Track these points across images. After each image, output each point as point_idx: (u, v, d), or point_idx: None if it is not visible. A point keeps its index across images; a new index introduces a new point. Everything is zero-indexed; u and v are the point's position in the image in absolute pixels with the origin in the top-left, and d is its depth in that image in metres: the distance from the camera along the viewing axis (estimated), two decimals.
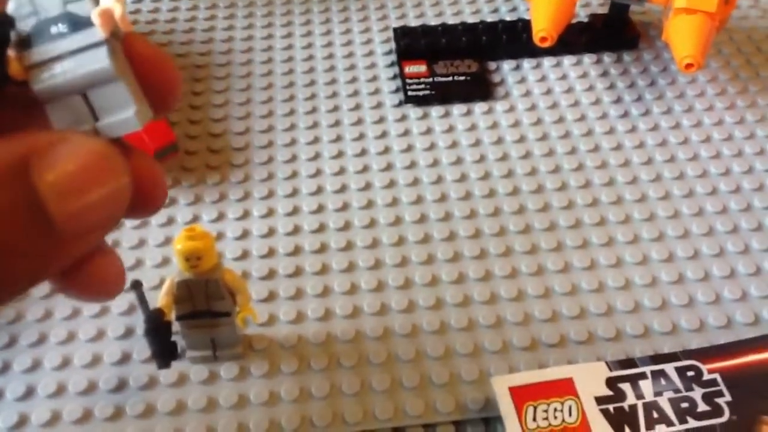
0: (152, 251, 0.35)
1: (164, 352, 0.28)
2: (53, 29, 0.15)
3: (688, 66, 0.37)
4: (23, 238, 0.15)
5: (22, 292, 0.16)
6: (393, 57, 0.45)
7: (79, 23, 0.15)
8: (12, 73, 0.15)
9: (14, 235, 0.14)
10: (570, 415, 0.27)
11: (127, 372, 0.30)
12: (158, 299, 0.28)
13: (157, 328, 0.27)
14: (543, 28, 0.39)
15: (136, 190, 0.16)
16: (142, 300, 0.27)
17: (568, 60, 0.44)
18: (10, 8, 0.15)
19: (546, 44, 0.39)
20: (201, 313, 0.29)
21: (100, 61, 0.15)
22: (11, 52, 0.15)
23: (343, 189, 0.37)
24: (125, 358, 0.31)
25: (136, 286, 0.27)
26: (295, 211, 0.36)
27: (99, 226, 0.16)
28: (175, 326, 0.29)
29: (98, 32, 0.15)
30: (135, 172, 0.16)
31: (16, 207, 0.14)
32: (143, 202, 0.18)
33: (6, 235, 0.14)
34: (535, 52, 0.44)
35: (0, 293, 0.15)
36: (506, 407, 0.27)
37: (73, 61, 0.15)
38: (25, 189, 0.14)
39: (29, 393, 0.30)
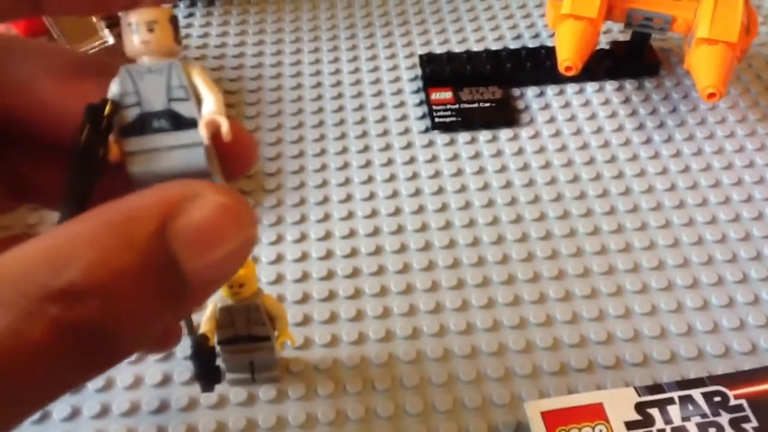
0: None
1: (209, 375, 0.29)
2: (155, 123, 0.16)
3: (711, 96, 0.38)
4: (155, 295, 0.15)
5: (147, 345, 0.16)
6: (419, 83, 0.46)
7: (181, 122, 0.16)
8: (111, 157, 0.16)
9: (148, 292, 0.14)
10: None
11: (168, 394, 0.31)
12: (202, 325, 0.29)
13: (204, 352, 0.28)
14: (568, 58, 0.40)
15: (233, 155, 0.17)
16: (189, 325, 0.28)
17: (590, 86, 0.45)
18: (113, 92, 0.16)
19: (571, 73, 0.40)
20: (242, 338, 0.30)
21: (197, 161, 0.16)
22: (112, 138, 0.16)
23: (373, 214, 0.38)
24: (166, 380, 0.32)
25: None
26: (327, 236, 0.37)
27: (226, 278, 0.16)
28: (216, 350, 0.30)
29: (200, 136, 0.16)
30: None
31: (152, 265, 0.14)
32: (237, 166, 0.18)
33: (141, 294, 0.14)
34: (559, 79, 0.45)
35: (129, 345, 0.15)
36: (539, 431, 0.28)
37: (171, 155, 0.16)
38: (161, 246, 0.14)
39: (75, 414, 0.31)
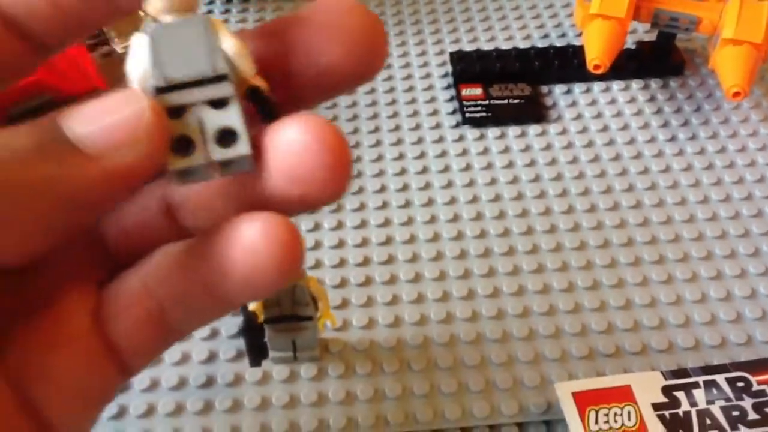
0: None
1: (257, 351, 0.31)
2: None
3: (736, 95, 0.40)
4: (29, 153, 0.14)
5: (57, 227, 0.15)
6: (449, 79, 0.48)
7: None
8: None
9: (17, 153, 0.14)
10: (629, 419, 0.29)
11: (214, 370, 0.33)
12: (251, 304, 0.31)
13: (254, 328, 0.30)
14: (597, 57, 0.41)
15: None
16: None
17: (616, 85, 0.47)
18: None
19: (599, 71, 0.41)
20: (286, 317, 0.31)
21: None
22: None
23: (407, 204, 0.40)
24: (212, 357, 0.34)
25: None
26: (362, 224, 0.39)
27: (118, 143, 0.15)
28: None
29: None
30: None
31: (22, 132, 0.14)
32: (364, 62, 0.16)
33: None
34: (586, 77, 0.46)
35: (23, 226, 0.14)
36: (570, 411, 0.30)
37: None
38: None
39: (127, 387, 0.33)
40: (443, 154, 0.43)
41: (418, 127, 0.44)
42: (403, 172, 0.42)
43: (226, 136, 0.15)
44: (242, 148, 0.15)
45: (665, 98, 0.46)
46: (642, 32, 0.51)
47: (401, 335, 0.34)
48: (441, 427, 0.31)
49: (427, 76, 0.48)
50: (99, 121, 0.14)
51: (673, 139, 0.43)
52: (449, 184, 0.41)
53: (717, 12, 0.43)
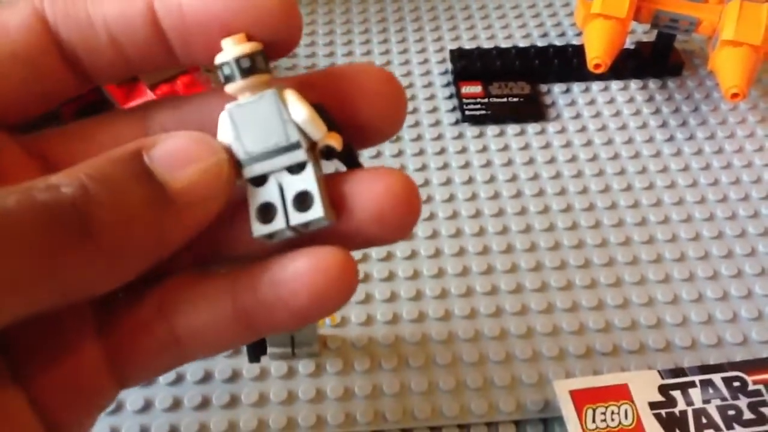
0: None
1: (256, 347, 0.31)
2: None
3: (734, 96, 0.40)
4: (141, 205, 0.16)
5: (145, 265, 0.17)
6: (449, 77, 0.48)
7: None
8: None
9: (133, 203, 0.16)
10: (626, 418, 0.30)
11: (212, 366, 0.33)
12: None
13: None
14: (597, 56, 0.41)
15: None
16: None
17: (615, 85, 0.47)
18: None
19: (599, 71, 0.41)
20: None
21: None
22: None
23: None
24: None
25: None
26: None
27: (204, 196, 0.17)
28: None
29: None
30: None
31: (126, 172, 0.16)
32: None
33: (126, 205, 0.16)
34: (585, 77, 0.46)
35: (126, 263, 0.17)
36: (568, 409, 0.30)
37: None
38: (136, 161, 0.17)
39: None
40: (442, 151, 0.43)
41: (417, 124, 0.44)
42: (402, 169, 0.42)
43: (303, 199, 0.17)
44: (317, 211, 0.17)
45: (663, 98, 0.46)
46: (641, 33, 0.51)
47: (399, 332, 0.34)
48: (439, 424, 0.31)
49: (427, 73, 0.48)
50: (188, 170, 0.17)
51: (671, 139, 0.43)
52: (448, 181, 0.41)
53: (717, 13, 0.43)
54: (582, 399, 0.30)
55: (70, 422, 0.18)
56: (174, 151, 0.17)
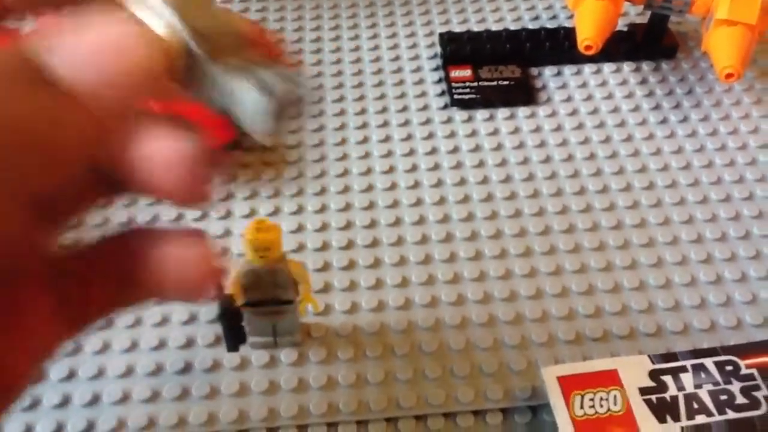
0: (212, 242, 0.37)
1: (235, 336, 0.30)
2: None
3: (729, 76, 0.39)
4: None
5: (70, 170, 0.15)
6: (438, 61, 0.47)
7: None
8: None
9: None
10: (615, 404, 0.29)
11: (192, 356, 0.32)
12: (228, 287, 0.30)
13: (231, 312, 0.29)
14: (588, 37, 0.40)
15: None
16: (218, 286, 0.29)
17: (607, 67, 0.46)
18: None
19: (591, 52, 0.41)
20: (266, 301, 0.31)
21: None
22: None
23: (392, 187, 0.39)
24: (190, 343, 0.33)
25: None
26: (347, 207, 0.38)
27: (119, 97, 0.14)
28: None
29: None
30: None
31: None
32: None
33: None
34: (576, 59, 0.45)
35: (51, 169, 0.14)
36: (555, 395, 0.29)
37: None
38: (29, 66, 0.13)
39: (101, 373, 0.32)
40: (430, 136, 0.42)
41: (405, 108, 0.44)
42: (389, 154, 0.41)
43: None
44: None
45: (657, 81, 0.45)
46: (634, 15, 0.50)
47: (385, 320, 0.33)
48: (425, 412, 0.30)
49: (416, 57, 0.47)
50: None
51: (664, 121, 0.43)
52: (436, 167, 0.40)
53: None
54: (570, 385, 0.29)
55: None
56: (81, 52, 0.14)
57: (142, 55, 0.14)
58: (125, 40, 0.14)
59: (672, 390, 0.30)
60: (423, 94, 0.44)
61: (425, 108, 0.44)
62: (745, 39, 0.40)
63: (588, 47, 0.40)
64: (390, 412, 0.30)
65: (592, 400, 0.29)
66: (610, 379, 0.30)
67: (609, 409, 0.29)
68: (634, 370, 0.30)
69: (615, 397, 0.29)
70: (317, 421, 0.30)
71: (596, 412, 0.28)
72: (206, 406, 0.31)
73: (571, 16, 0.49)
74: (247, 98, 0.16)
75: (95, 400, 0.31)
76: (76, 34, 0.14)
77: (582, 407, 0.29)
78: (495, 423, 0.30)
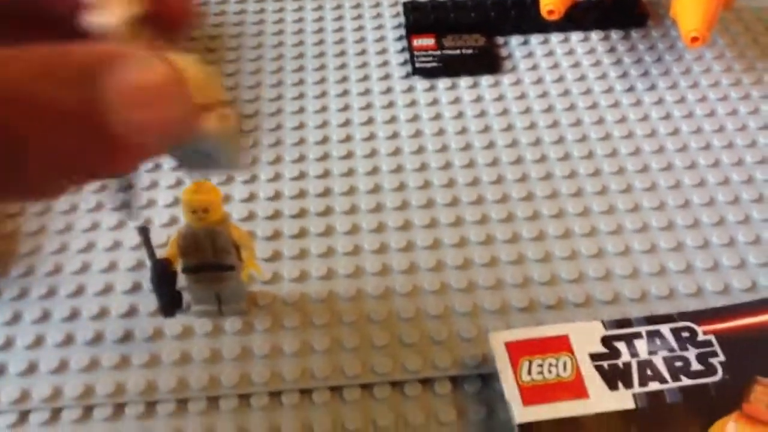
0: (161, 211, 0.36)
1: (169, 300, 0.29)
2: None
3: (694, 40, 0.38)
4: (78, 139, 0.16)
5: (72, 186, 0.17)
6: (402, 31, 0.45)
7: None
8: None
9: (70, 134, 0.16)
10: (564, 370, 0.28)
11: (133, 324, 0.31)
12: (165, 250, 0.29)
13: (163, 275, 0.28)
14: (551, 2, 0.39)
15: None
16: (149, 245, 0.28)
17: (575, 36, 0.45)
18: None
19: (553, 17, 0.39)
20: (207, 266, 0.30)
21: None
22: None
23: (349, 155, 0.38)
24: (132, 312, 0.32)
25: (143, 231, 0.28)
26: (301, 175, 0.37)
27: (155, 145, 0.17)
28: (182, 281, 0.30)
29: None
30: None
31: (77, 107, 0.16)
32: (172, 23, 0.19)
33: (63, 134, 0.16)
34: (544, 28, 0.44)
35: (38, 157, 0.16)
36: (502, 361, 0.28)
37: None
38: (89, 93, 0.16)
39: (39, 342, 0.31)
40: (390, 105, 0.41)
41: (366, 78, 0.42)
42: (347, 123, 0.40)
43: None
44: None
45: (625, 49, 0.44)
46: None
47: (334, 288, 0.32)
48: (370, 381, 0.29)
49: (380, 27, 0.46)
50: (146, 113, 0.17)
51: (631, 89, 0.41)
52: (394, 135, 0.39)
53: None
54: (518, 351, 0.28)
55: None
56: (138, 85, 0.16)
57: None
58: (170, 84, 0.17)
59: (625, 356, 0.29)
60: (385, 64, 0.43)
61: (387, 77, 0.42)
62: (711, 2, 0.38)
63: (551, 12, 0.39)
64: (335, 380, 0.29)
65: (540, 366, 0.28)
66: (560, 344, 0.29)
67: (558, 375, 0.28)
68: (586, 336, 0.29)
69: (565, 363, 0.28)
70: (260, 390, 0.29)
71: (544, 378, 0.27)
72: (146, 374, 0.30)
73: None
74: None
75: (32, 368, 0.30)
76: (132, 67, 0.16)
77: (530, 373, 0.28)
78: (444, 392, 0.29)
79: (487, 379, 0.29)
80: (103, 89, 0.16)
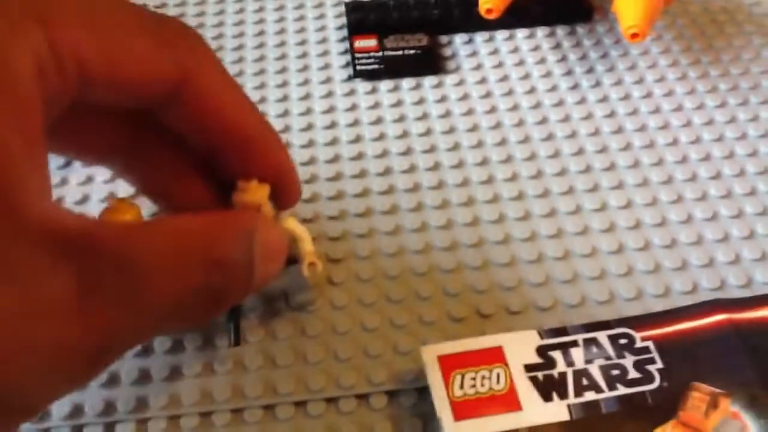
0: None
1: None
2: None
3: (634, 36, 0.37)
4: (245, 284, 0.23)
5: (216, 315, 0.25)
6: (345, 32, 0.45)
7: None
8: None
9: (239, 277, 0.23)
10: (498, 382, 0.27)
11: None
12: None
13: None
14: (489, 0, 0.38)
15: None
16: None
17: (521, 33, 0.44)
18: None
19: (492, 16, 0.39)
20: None
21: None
22: None
23: None
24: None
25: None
26: None
27: (269, 281, 0.25)
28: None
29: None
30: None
31: (245, 259, 0.23)
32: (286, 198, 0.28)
33: (233, 277, 0.22)
34: (488, 26, 0.44)
35: (228, 302, 0.23)
36: (433, 376, 0.27)
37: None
38: (250, 250, 0.23)
39: None
40: (331, 109, 0.40)
41: (306, 82, 0.41)
42: (286, 129, 0.39)
43: None
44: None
45: (571, 45, 0.43)
46: None
47: None
48: (304, 398, 0.29)
49: (323, 28, 0.45)
50: (272, 265, 0.25)
51: (575, 87, 0.41)
52: (334, 141, 0.38)
53: None
54: (450, 364, 0.28)
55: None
56: (269, 247, 0.24)
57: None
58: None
59: (561, 366, 0.28)
60: (326, 66, 0.42)
61: (328, 80, 0.42)
62: None
63: (489, 11, 0.38)
64: (267, 399, 0.29)
65: (473, 379, 0.27)
66: (494, 356, 0.28)
67: (491, 388, 0.27)
68: (521, 347, 0.28)
69: (498, 375, 0.27)
70: (189, 411, 0.28)
71: (477, 392, 0.27)
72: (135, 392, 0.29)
73: None
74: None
75: None
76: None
77: (462, 387, 0.27)
78: (379, 407, 0.29)
79: (424, 392, 0.29)
80: (255, 246, 0.23)
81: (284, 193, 0.28)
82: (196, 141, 0.25)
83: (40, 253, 0.17)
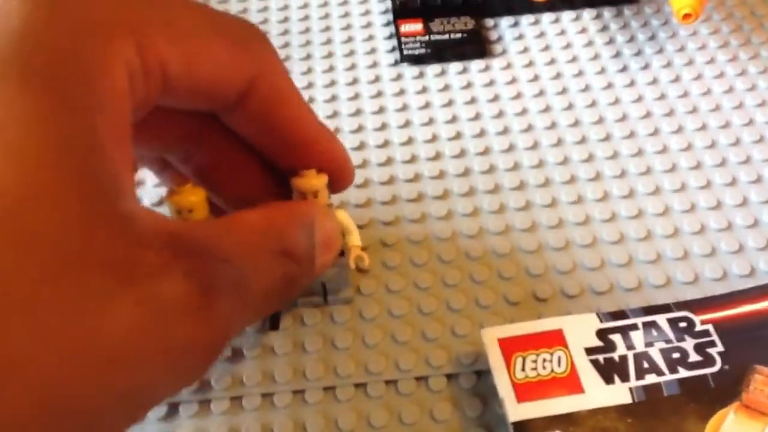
0: None
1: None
2: None
3: (686, 16, 0.37)
4: (307, 268, 0.24)
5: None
6: (389, 16, 0.45)
7: None
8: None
9: (307, 265, 0.24)
10: (559, 365, 0.27)
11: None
12: None
13: None
14: None
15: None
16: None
17: (567, 15, 0.44)
18: None
19: None
20: None
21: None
22: None
23: None
24: None
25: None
26: None
27: (326, 269, 0.26)
28: None
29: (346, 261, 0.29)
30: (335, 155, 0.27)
31: (309, 248, 0.23)
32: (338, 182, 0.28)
33: (302, 265, 0.23)
34: (534, 8, 0.43)
35: (299, 288, 0.24)
36: (495, 358, 0.27)
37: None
38: (311, 239, 0.24)
39: None
40: (379, 94, 0.40)
41: (353, 67, 0.42)
42: (335, 114, 0.39)
43: None
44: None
45: (618, 27, 0.43)
46: None
47: None
48: (364, 381, 0.29)
49: (367, 13, 0.45)
50: (327, 256, 0.26)
51: (624, 69, 0.40)
52: (384, 126, 0.38)
53: None
54: (511, 347, 0.28)
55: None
56: (327, 236, 0.25)
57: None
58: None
59: (621, 349, 0.28)
60: (372, 51, 0.42)
61: (374, 65, 0.42)
62: None
63: None
64: (328, 381, 0.29)
65: (534, 361, 0.27)
66: (554, 339, 0.28)
67: (552, 371, 0.27)
68: (581, 330, 0.28)
69: (559, 357, 0.28)
70: (219, 395, 0.29)
71: (538, 374, 0.27)
72: None
73: None
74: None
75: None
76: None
77: (524, 369, 0.27)
78: (438, 388, 0.29)
79: (483, 374, 0.29)
80: (315, 236, 0.24)
81: (338, 180, 0.28)
82: (255, 138, 0.26)
83: (153, 255, 0.17)
